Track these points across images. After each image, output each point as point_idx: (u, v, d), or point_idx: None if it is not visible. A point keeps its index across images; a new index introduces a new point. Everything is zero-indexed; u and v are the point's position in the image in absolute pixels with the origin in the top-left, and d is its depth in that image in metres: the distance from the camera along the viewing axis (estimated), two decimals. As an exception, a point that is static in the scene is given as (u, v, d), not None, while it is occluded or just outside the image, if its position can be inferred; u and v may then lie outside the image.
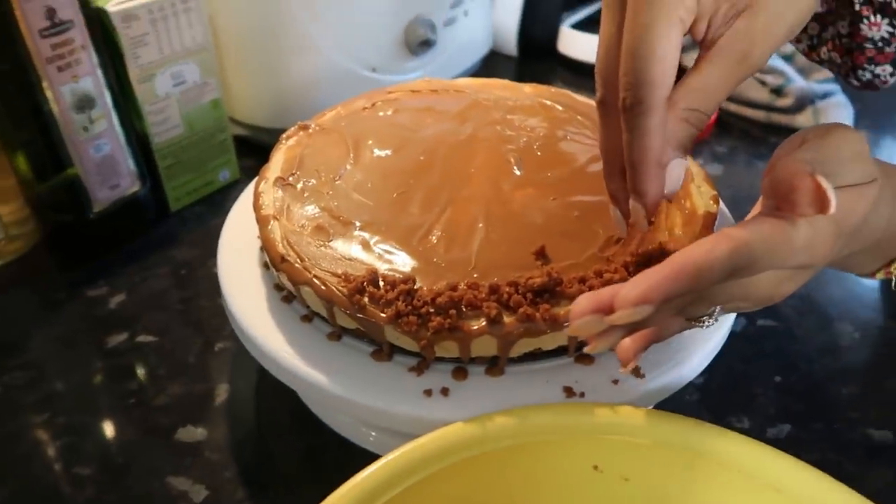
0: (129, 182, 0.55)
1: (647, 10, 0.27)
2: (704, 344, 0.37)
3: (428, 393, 0.34)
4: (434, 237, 0.38)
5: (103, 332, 0.50)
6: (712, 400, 0.44)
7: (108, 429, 0.44)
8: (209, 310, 0.52)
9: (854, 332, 0.49)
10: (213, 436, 0.43)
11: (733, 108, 0.75)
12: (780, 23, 0.28)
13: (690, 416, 0.42)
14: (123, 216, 0.56)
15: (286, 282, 0.38)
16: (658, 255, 0.35)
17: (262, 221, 0.40)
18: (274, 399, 0.45)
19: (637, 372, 0.35)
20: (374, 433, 0.41)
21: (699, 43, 0.29)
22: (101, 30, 0.50)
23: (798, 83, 0.71)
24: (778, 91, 0.72)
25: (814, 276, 0.31)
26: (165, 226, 0.60)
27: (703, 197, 0.41)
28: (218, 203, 0.63)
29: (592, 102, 0.51)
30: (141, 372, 0.47)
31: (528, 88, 0.53)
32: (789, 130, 0.72)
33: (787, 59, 0.75)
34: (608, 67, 0.30)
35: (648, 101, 0.27)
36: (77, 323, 0.51)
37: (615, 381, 0.35)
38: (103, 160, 0.53)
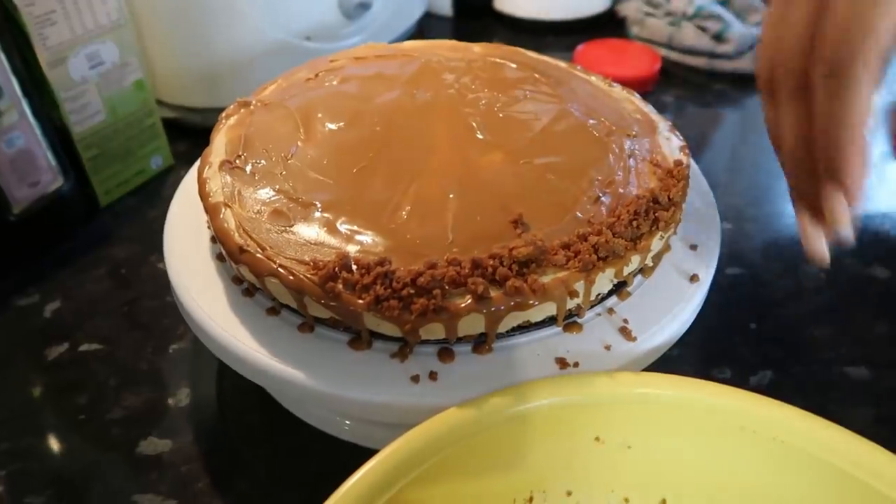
0: (50, 178, 0.50)
1: None
2: (692, 298, 0.36)
3: (415, 379, 0.32)
4: (404, 213, 0.35)
5: (41, 344, 0.45)
6: (693, 354, 0.44)
7: (59, 450, 0.40)
8: (157, 310, 0.48)
9: (819, 273, 0.50)
10: (179, 445, 0.40)
11: (675, 56, 0.74)
12: None
13: (674, 372, 0.42)
14: (48, 216, 0.51)
15: (247, 274, 0.34)
16: (646, 209, 0.34)
17: (212, 210, 0.36)
18: (241, 399, 0.42)
19: (628, 335, 0.34)
20: (348, 422, 0.39)
21: None
22: (1, 10, 0.45)
23: (737, 27, 0.71)
24: (718, 37, 0.72)
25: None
26: (97, 222, 0.55)
27: (672, 147, 0.40)
28: (153, 193, 0.58)
29: (545, 58, 0.50)
30: (89, 384, 0.43)
31: (477, 48, 0.50)
32: (732, 76, 0.72)
33: (724, 2, 0.75)
34: (780, 39, 0.26)
35: (867, 60, 0.23)
36: (8, 337, 0.46)
37: (607, 347, 0.33)
38: (18, 155, 0.48)
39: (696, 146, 0.64)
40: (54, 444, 0.40)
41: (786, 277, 0.49)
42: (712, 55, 0.72)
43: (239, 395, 0.42)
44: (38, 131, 0.48)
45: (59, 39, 0.48)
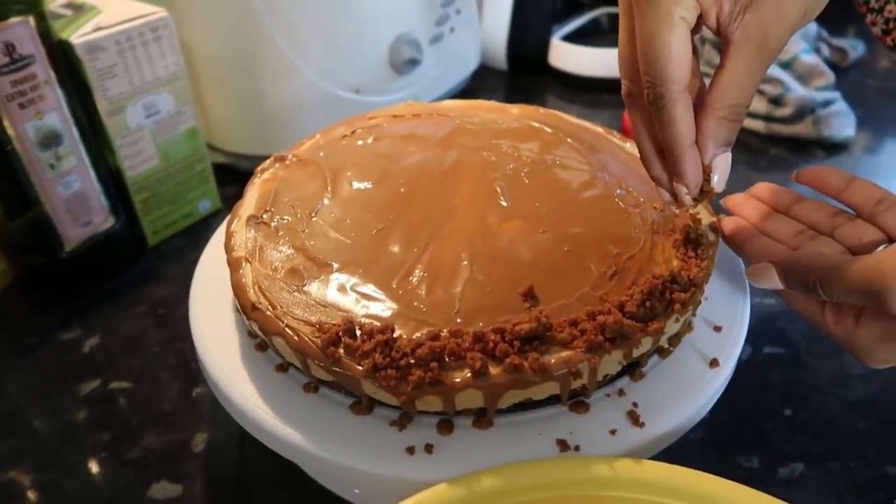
0: (101, 218, 0.53)
1: (648, 15, 0.30)
2: (708, 385, 0.34)
3: (410, 451, 0.31)
4: (415, 278, 0.35)
5: (76, 378, 0.47)
6: (718, 437, 0.42)
7: (77, 487, 0.41)
8: (186, 352, 0.49)
9: (866, 359, 0.46)
10: (190, 491, 0.40)
11: (731, 118, 0.72)
12: (791, 8, 0.30)
13: (695, 457, 0.40)
14: (98, 254, 0.54)
15: (258, 331, 0.35)
16: (661, 290, 0.33)
17: (233, 265, 0.37)
18: (255, 448, 0.42)
19: (636, 420, 0.32)
20: (357, 488, 0.39)
21: (719, 36, 0.31)
22: (66, 63, 0.48)
23: (797, 91, 0.69)
24: (777, 100, 0.69)
25: None
26: (144, 261, 0.58)
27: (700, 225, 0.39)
28: (198, 235, 0.60)
29: (582, 123, 0.49)
30: (114, 422, 0.44)
31: (515, 110, 0.51)
32: (789, 140, 0.70)
33: (785, 66, 0.72)
34: (629, 63, 0.33)
35: (668, 95, 0.30)
36: (48, 370, 0.48)
37: (612, 432, 0.32)
38: (73, 197, 0.50)
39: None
40: (73, 480, 0.41)
41: (830, 361, 0.46)
42: (769, 118, 0.70)
43: (254, 445, 0.43)
44: (93, 175, 0.51)
45: (119, 91, 0.51)
